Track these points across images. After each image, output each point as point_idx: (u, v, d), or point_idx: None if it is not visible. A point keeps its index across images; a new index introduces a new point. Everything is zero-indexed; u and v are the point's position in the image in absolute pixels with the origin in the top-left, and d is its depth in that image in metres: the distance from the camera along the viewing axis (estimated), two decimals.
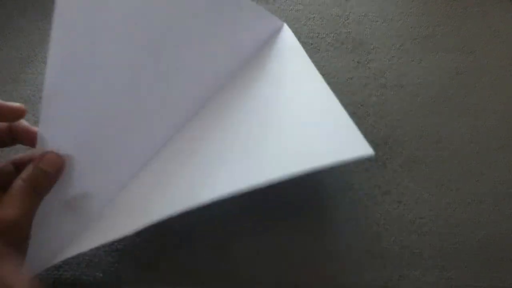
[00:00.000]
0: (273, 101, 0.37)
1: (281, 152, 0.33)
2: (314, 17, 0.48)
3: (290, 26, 0.47)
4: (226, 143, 0.34)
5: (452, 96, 0.41)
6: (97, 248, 0.33)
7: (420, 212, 0.35)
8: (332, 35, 0.46)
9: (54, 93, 0.28)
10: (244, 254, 0.34)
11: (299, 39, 0.44)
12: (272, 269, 0.33)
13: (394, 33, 0.46)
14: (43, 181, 0.28)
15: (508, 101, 0.41)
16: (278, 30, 0.42)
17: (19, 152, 0.35)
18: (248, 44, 0.40)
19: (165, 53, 0.34)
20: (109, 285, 0.33)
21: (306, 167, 0.30)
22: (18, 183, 0.28)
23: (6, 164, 0.31)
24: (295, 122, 0.35)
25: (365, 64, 0.44)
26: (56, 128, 0.29)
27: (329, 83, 0.37)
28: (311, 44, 0.46)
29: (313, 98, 0.37)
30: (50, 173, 0.28)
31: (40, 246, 0.29)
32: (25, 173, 0.28)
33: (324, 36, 0.46)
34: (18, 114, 0.30)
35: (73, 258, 0.33)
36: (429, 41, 0.45)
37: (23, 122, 0.31)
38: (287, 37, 0.42)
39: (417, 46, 0.45)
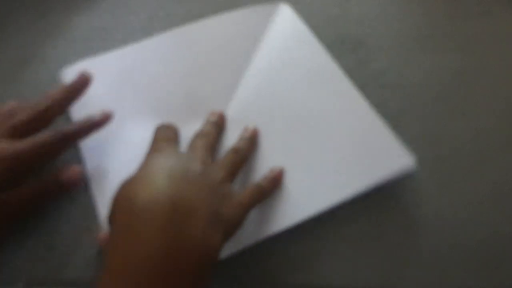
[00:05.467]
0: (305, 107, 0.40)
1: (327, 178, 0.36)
2: (314, 17, 0.48)
3: None
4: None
5: (452, 96, 0.41)
6: (97, 248, 0.34)
7: (420, 212, 0.35)
8: (332, 35, 0.46)
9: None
10: None
11: None
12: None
13: (394, 33, 0.46)
14: None
15: (508, 101, 0.41)
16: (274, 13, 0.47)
17: None
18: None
19: None
20: None
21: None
22: None
23: None
24: (334, 139, 0.38)
25: (365, 64, 0.44)
26: None
27: None
28: None
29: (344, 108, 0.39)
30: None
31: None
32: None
33: (324, 36, 0.46)
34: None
35: (72, 258, 0.33)
36: (429, 41, 0.45)
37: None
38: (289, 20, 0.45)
39: (417, 46, 0.45)
